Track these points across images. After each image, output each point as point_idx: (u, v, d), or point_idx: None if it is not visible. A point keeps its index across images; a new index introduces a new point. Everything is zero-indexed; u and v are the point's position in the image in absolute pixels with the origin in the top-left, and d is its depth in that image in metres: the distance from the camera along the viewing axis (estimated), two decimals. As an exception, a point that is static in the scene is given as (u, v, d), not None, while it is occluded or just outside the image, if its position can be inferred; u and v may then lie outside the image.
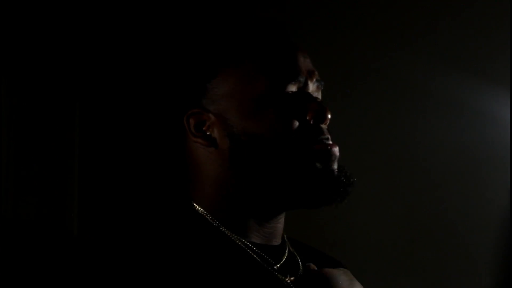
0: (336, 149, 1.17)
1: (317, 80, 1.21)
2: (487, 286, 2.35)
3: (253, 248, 1.17)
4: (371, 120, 2.46)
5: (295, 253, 1.24)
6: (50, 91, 2.55)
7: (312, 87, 1.20)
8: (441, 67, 2.42)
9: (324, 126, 1.18)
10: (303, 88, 1.19)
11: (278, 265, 1.19)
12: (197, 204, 1.18)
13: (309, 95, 1.19)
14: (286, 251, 1.23)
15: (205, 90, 1.17)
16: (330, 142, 1.18)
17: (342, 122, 2.37)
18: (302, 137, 1.16)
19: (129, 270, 1.05)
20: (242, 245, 1.17)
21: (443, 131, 2.43)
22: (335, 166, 1.17)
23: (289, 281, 1.18)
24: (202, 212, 1.18)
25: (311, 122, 1.17)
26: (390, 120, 2.46)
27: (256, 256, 1.17)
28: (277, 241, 1.22)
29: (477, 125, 2.39)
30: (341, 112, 2.37)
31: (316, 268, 1.18)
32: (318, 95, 1.22)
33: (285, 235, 1.26)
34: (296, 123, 1.16)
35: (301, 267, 1.22)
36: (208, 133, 1.17)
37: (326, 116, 1.18)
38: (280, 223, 1.22)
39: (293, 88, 1.17)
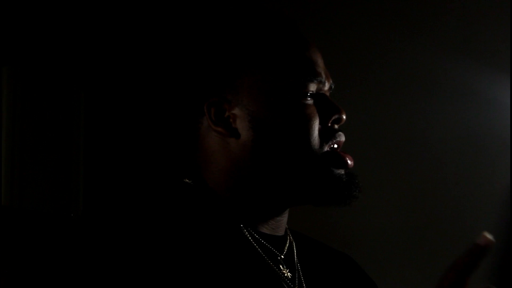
0: (351, 162, 1.21)
1: (330, 83, 1.25)
2: (491, 269, 2.35)
3: (258, 238, 1.20)
4: (375, 105, 2.49)
5: (294, 243, 1.27)
6: (55, 82, 2.55)
7: (327, 88, 1.24)
8: (443, 53, 2.43)
9: (337, 127, 1.23)
10: (321, 88, 1.23)
11: (282, 256, 1.22)
12: (206, 191, 1.21)
13: (327, 96, 1.23)
14: (288, 242, 1.26)
15: (230, 81, 1.20)
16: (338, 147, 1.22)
17: (349, 108, 2.39)
18: (319, 137, 1.20)
19: (130, 257, 1.07)
20: (247, 233, 1.20)
21: (445, 116, 2.45)
22: (346, 172, 1.21)
23: (287, 274, 1.20)
24: (210, 199, 1.20)
25: (329, 124, 1.21)
26: (393, 106, 2.48)
27: (259, 248, 1.19)
28: (281, 232, 1.25)
29: (478, 109, 2.41)
30: (347, 99, 2.39)
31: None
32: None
33: (286, 226, 1.28)
34: (317, 122, 1.20)
35: (296, 258, 1.24)
36: (229, 122, 1.20)
37: (342, 119, 1.23)
38: (285, 216, 1.25)
39: (314, 87, 1.21)
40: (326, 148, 1.20)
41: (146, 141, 2.53)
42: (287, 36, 1.22)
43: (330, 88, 1.25)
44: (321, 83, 1.22)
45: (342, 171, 1.20)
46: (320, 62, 1.23)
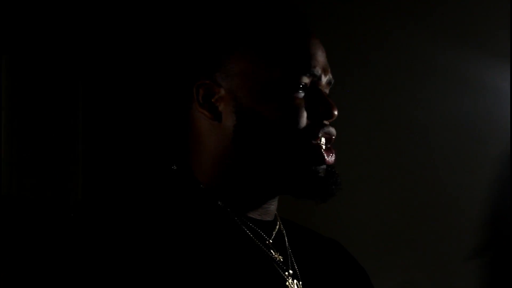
0: (330, 159, 1.20)
1: (329, 77, 1.23)
2: (491, 262, 2.35)
3: (247, 222, 1.20)
4: (373, 95, 2.49)
5: (283, 229, 1.27)
6: (52, 71, 2.56)
7: (324, 82, 1.22)
8: (443, 40, 2.44)
9: (327, 122, 1.21)
10: (317, 82, 1.21)
11: (270, 240, 1.22)
12: (196, 176, 1.21)
13: (321, 91, 1.21)
14: (277, 227, 1.26)
15: (221, 64, 1.19)
16: (327, 141, 1.20)
17: (346, 100, 2.38)
18: (305, 131, 1.18)
19: (122, 241, 1.08)
20: (237, 219, 1.20)
21: (445, 104, 2.45)
22: (325, 167, 1.20)
23: (278, 257, 1.21)
24: (199, 183, 1.20)
25: (317, 118, 1.19)
26: (391, 95, 2.48)
27: (249, 231, 1.20)
28: (269, 218, 1.25)
29: (478, 97, 2.41)
30: (344, 84, 2.39)
31: None
32: (327, 91, 1.24)
33: (276, 212, 1.29)
34: (304, 116, 1.18)
35: (287, 243, 1.25)
36: (216, 106, 1.19)
37: (333, 115, 1.20)
38: (273, 204, 1.25)
39: (307, 80, 1.19)
40: (311, 143, 1.18)
41: (145, 127, 2.54)
42: (286, 24, 1.20)
43: (329, 83, 1.23)
44: (316, 76, 1.20)
45: (320, 167, 1.18)
46: (319, 55, 1.21)
